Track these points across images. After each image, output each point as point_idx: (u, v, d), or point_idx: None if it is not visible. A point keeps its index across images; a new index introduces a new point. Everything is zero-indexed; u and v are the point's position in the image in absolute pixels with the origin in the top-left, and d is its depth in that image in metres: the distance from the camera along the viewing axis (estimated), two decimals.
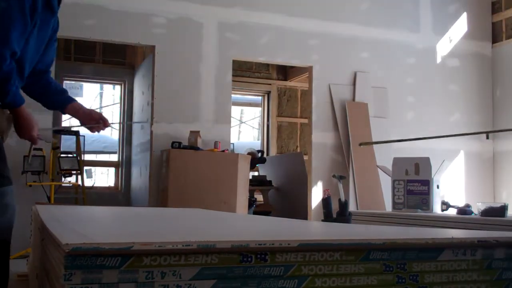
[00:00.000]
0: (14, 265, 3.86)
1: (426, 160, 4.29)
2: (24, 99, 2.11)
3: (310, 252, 1.05)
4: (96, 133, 2.53)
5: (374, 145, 6.61)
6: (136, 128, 7.74)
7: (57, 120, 7.30)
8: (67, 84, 8.15)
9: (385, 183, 5.84)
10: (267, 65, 9.27)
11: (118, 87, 8.88)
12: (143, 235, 1.22)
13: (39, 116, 6.29)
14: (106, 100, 12.24)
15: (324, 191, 2.82)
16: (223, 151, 5.71)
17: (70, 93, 2.54)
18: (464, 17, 7.65)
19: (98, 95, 12.57)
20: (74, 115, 2.47)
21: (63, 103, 2.47)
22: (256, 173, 8.36)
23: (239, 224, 1.90)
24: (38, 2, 2.05)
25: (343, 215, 2.79)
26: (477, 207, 3.81)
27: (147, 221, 2.15)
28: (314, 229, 1.72)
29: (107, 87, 11.18)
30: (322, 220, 2.72)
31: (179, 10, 6.13)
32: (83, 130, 4.66)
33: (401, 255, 1.13)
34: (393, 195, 4.36)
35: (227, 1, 6.38)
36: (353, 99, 6.84)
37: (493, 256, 1.23)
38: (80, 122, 2.47)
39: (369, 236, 1.26)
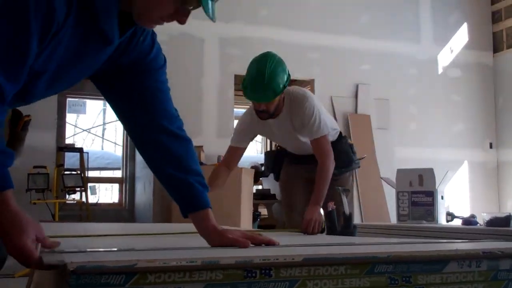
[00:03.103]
0: (19, 284, 3.85)
1: (430, 171, 4.28)
2: (12, 182, 1.18)
3: (315, 267, 1.05)
4: None
5: (378, 157, 6.61)
6: None
7: (61, 138, 7.32)
8: (70, 101, 8.17)
9: (389, 195, 5.82)
10: None
11: None
12: (147, 252, 1.22)
13: (42, 134, 6.24)
14: (109, 117, 12.30)
15: (328, 204, 2.81)
16: None
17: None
18: (464, 27, 7.68)
19: (101, 112, 12.63)
20: (196, 227, 1.55)
21: (186, 203, 1.53)
22: (260, 187, 8.35)
23: None
24: (57, 14, 1.19)
25: (348, 228, 2.78)
26: (482, 218, 3.80)
27: (151, 238, 2.15)
28: (319, 243, 1.71)
29: None
30: (327, 234, 2.71)
31: (180, 27, 6.16)
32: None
33: (406, 268, 1.13)
34: (398, 207, 4.35)
35: (228, 16, 6.41)
36: (355, 111, 6.85)
37: (499, 267, 1.22)
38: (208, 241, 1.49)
39: (373, 249, 1.26)
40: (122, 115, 1.57)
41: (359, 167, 3.51)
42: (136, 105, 1.52)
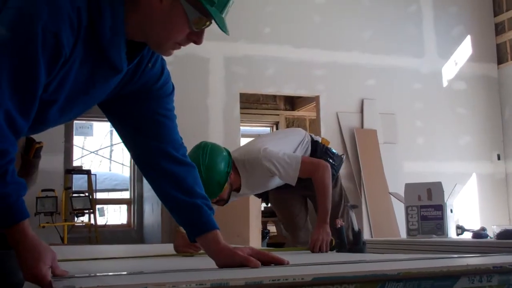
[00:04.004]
0: None
1: (438, 185, 4.26)
2: (27, 211, 1.19)
3: (325, 286, 1.05)
4: None
5: (386, 172, 6.58)
6: None
7: (69, 161, 7.35)
8: (77, 123, 8.21)
9: (398, 209, 5.79)
10: (274, 96, 9.32)
11: None
12: (156, 275, 1.22)
13: (49, 157, 6.27)
14: (116, 138, 12.34)
15: (337, 221, 2.80)
16: None
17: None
18: (468, 40, 7.69)
19: (108, 133, 12.69)
20: (205, 250, 1.53)
21: (195, 226, 1.53)
22: (268, 204, 8.32)
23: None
24: (64, 46, 1.19)
25: (357, 245, 2.76)
26: (492, 230, 3.77)
27: (161, 259, 2.15)
28: (328, 261, 1.71)
29: None
30: (336, 251, 2.69)
31: (185, 47, 6.21)
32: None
33: (416, 284, 1.12)
34: (407, 221, 4.32)
35: (232, 35, 6.43)
36: (362, 127, 6.85)
37: (510, 282, 1.21)
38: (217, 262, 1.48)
39: (383, 266, 1.26)
40: (128, 141, 1.57)
41: (342, 163, 3.34)
42: (142, 132, 1.52)
